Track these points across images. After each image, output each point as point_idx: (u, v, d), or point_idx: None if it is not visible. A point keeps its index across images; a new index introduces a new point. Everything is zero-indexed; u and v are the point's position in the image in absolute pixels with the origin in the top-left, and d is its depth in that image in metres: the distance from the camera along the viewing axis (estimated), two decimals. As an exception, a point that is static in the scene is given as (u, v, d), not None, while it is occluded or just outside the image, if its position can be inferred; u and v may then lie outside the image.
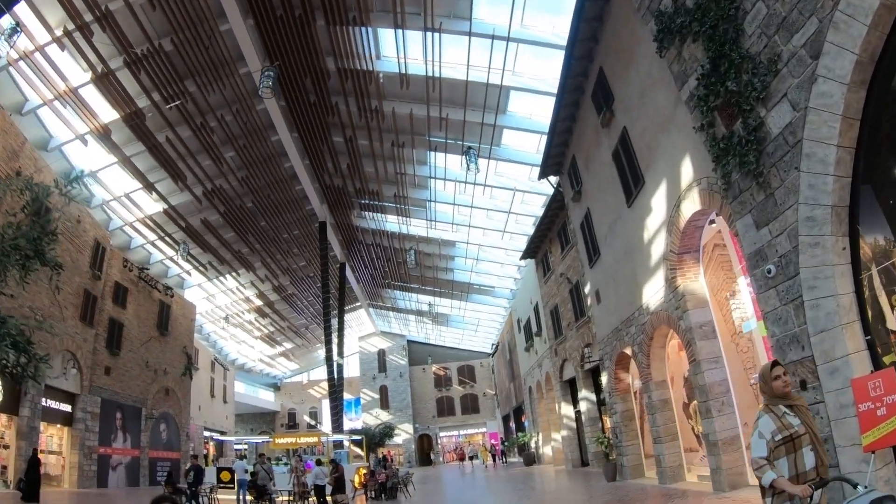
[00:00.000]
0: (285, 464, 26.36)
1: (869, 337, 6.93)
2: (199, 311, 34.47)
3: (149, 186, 23.45)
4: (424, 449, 56.05)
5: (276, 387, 58.18)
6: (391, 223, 30.97)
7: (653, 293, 12.42)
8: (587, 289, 18.07)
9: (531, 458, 33.14)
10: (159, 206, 25.21)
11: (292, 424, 56.22)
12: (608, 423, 18.22)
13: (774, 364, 4.02)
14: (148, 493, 17.11)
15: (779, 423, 3.81)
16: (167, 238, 27.79)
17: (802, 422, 3.84)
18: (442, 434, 57.58)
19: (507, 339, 40.03)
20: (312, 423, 54.90)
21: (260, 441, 40.11)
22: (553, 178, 19.66)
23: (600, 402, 20.17)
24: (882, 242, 6.98)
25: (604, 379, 17.87)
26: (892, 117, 6.66)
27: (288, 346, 49.32)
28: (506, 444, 43.47)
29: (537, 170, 19.33)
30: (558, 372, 25.07)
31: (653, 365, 13.41)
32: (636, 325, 13.74)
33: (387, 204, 28.61)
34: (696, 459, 12.65)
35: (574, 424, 24.43)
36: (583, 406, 22.40)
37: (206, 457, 31.78)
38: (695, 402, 12.36)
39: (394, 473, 23.00)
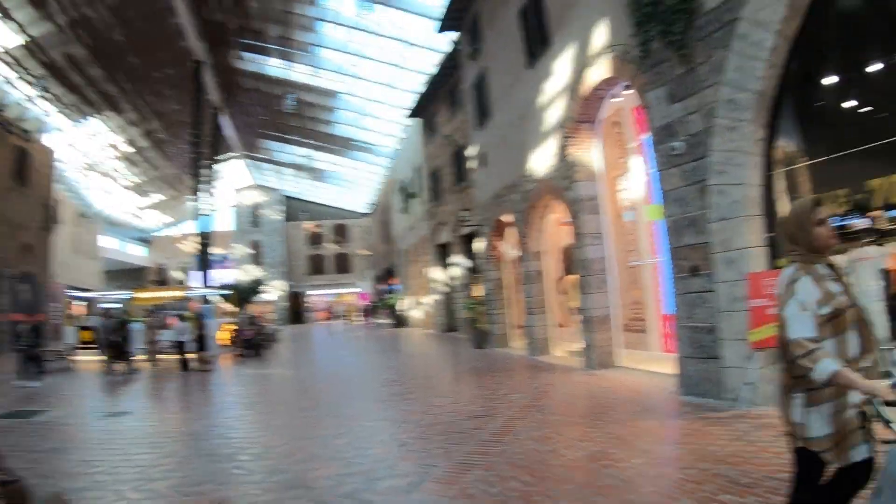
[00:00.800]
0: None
1: (771, 234, 6.60)
2: (63, 159, 29.80)
3: (4, 14, 18.84)
4: (296, 307, 55.61)
5: (146, 241, 53.90)
6: (273, 67, 27.83)
7: (543, 161, 11.73)
8: (472, 152, 17.14)
9: (400, 321, 33.49)
10: (18, 39, 20.79)
11: (162, 280, 52.96)
12: (479, 290, 18.22)
13: (817, 203, 2.58)
14: (5, 360, 15.11)
15: (822, 290, 2.44)
16: (26, 76, 23.11)
17: (845, 291, 2.50)
18: (313, 293, 57.19)
19: (384, 199, 39.08)
20: (182, 278, 52.00)
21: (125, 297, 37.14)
22: (452, 35, 17.91)
23: (473, 269, 20.12)
24: (792, 149, 6.70)
25: (478, 246, 17.62)
26: (832, 24, 6.16)
27: (159, 197, 45.11)
28: (376, 305, 43.81)
29: (435, 25, 17.44)
30: (433, 236, 24.77)
31: (531, 235, 13.24)
32: (520, 192, 13.28)
33: (270, 46, 25.36)
34: (565, 335, 12.79)
35: (445, 289, 24.54)
36: (455, 272, 22.40)
37: (70, 317, 28.71)
38: (568, 277, 12.27)
39: (261, 330, 22.17)
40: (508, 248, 15.74)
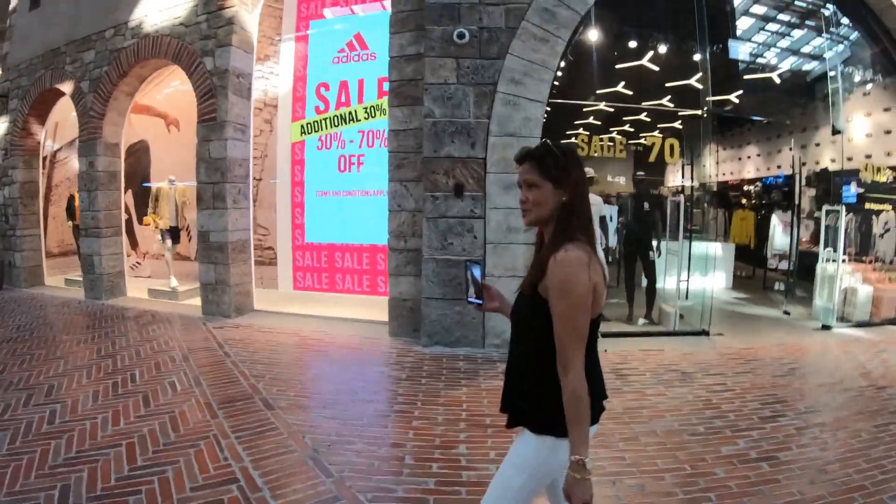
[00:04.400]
0: None
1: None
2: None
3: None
4: None
5: None
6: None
7: (169, 4, 7.37)
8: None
9: None
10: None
11: None
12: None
13: None
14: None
15: None
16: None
17: None
18: None
19: None
20: None
21: None
22: None
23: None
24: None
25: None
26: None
27: None
28: None
29: None
30: None
31: (110, 117, 8.22)
32: (103, 50, 8.15)
33: None
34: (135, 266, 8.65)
35: None
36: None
37: None
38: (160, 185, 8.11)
39: None
40: (49, 136, 9.63)
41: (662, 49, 8.28)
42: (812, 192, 10.70)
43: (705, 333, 6.53)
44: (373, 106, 7.24)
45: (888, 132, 9.01)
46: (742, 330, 6.80)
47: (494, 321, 5.72)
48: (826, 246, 7.66)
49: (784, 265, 9.39)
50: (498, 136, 5.82)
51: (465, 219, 5.76)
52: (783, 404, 4.20)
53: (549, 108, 6.11)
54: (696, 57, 7.25)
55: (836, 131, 8.23)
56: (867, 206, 8.41)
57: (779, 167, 13.20)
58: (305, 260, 7.46)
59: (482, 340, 5.73)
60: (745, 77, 10.82)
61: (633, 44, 8.26)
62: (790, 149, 12.93)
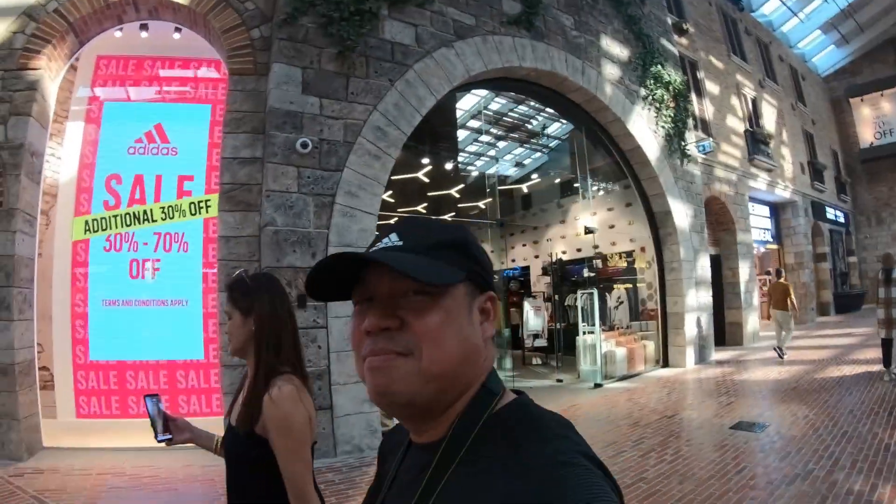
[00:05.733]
0: None
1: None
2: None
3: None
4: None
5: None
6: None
7: None
8: None
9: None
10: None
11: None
12: None
13: None
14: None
15: None
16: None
17: None
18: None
19: None
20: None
21: None
22: None
23: None
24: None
25: None
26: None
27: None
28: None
29: None
30: None
31: None
32: None
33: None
34: None
35: None
36: None
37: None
38: None
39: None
40: None
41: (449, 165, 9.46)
42: (547, 279, 12.81)
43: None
44: (171, 206, 6.54)
45: (612, 227, 11.41)
46: (538, 399, 7.88)
47: (344, 429, 5.66)
48: (583, 321, 9.37)
49: (539, 342, 11.02)
50: (337, 247, 5.97)
51: (308, 329, 5.68)
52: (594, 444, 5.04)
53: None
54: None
55: (588, 231, 10.24)
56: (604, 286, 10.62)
57: (513, 260, 15.47)
58: (90, 381, 6.25)
59: (334, 450, 5.61)
60: (500, 188, 12.77)
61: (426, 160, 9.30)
62: (524, 245, 15.37)
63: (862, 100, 23.09)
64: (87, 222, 6.50)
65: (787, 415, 6.40)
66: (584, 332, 9.46)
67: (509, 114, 11.70)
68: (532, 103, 10.50)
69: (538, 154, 13.57)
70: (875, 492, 3.99)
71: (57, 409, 6.12)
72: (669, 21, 11.78)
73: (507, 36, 7.91)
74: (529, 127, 12.29)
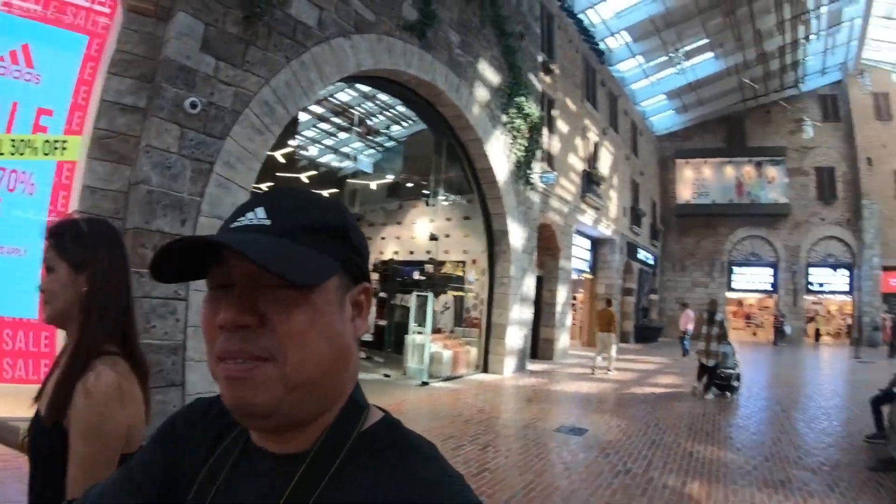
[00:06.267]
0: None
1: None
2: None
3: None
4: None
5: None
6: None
7: None
8: None
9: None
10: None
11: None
12: None
13: None
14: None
15: None
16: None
17: None
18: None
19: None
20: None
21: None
22: None
23: None
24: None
25: None
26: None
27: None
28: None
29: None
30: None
31: None
32: None
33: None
34: None
35: None
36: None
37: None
38: None
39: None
40: None
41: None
42: (376, 276, 13.16)
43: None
44: (23, 140, 5.73)
45: (447, 236, 12.05)
46: (368, 392, 8.15)
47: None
48: (415, 322, 9.85)
49: (365, 337, 11.34)
50: (207, 217, 5.72)
51: (168, 300, 5.36)
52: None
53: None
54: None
55: (433, 238, 10.75)
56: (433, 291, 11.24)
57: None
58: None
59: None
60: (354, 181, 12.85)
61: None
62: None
63: (687, 162, 27.14)
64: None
65: (602, 423, 7.44)
66: (413, 332, 9.99)
67: (358, 108, 11.94)
68: (383, 99, 10.93)
69: (381, 153, 13.85)
70: (686, 486, 4.95)
71: None
72: (540, 59, 12.85)
73: (400, 40, 8.11)
74: (372, 123, 12.60)
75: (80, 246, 1.29)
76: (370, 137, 12.78)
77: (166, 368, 5.27)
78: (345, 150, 13.18)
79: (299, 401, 0.62)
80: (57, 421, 1.19)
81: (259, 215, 0.63)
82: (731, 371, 9.61)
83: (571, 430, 6.89)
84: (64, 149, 5.76)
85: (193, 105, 5.55)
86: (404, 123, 12.70)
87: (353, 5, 7.25)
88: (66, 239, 1.29)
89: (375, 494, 0.60)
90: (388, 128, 12.76)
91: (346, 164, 13.49)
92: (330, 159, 13.59)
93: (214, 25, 5.71)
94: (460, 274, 12.06)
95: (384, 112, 12.20)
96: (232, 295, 0.61)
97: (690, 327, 16.79)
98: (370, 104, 11.86)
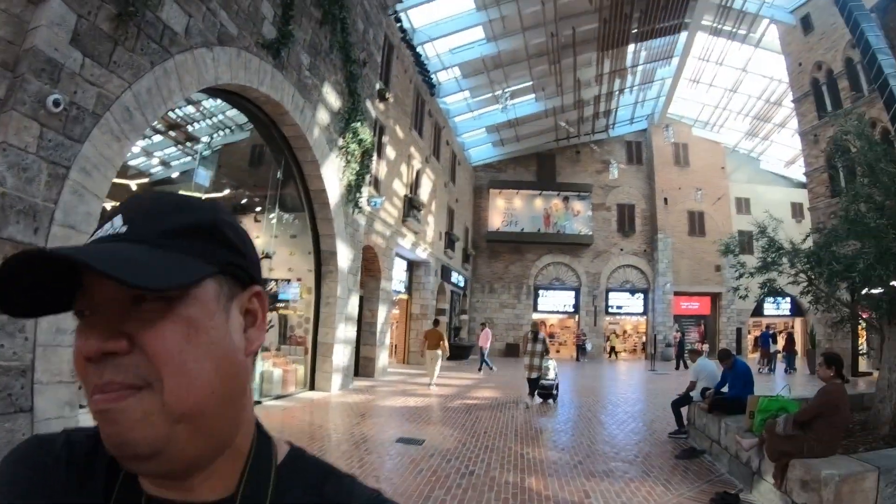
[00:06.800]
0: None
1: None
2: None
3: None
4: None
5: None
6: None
7: None
8: None
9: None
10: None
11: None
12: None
13: None
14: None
15: None
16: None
17: None
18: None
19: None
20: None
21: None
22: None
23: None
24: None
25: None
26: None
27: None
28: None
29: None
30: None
31: None
32: None
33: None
34: None
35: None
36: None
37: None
38: None
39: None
40: None
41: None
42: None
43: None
44: None
45: (274, 253, 11.92)
46: None
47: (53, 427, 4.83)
48: None
49: None
50: (61, 226, 5.22)
51: (13, 318, 4.74)
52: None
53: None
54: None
55: (265, 255, 10.54)
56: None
57: None
58: None
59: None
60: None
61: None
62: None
63: (500, 192, 29.20)
64: None
65: (437, 433, 8.02)
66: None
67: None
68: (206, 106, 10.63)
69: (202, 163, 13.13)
70: (524, 482, 5.71)
71: None
72: (378, 87, 13.35)
73: (257, 57, 8.06)
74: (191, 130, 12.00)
75: None
76: (188, 144, 12.09)
77: (15, 392, 4.68)
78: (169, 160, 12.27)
79: (191, 435, 0.53)
80: None
81: (116, 224, 0.55)
82: (553, 381, 11.02)
83: (410, 441, 7.38)
84: None
85: (56, 103, 5.05)
86: (224, 132, 12.21)
87: (219, 17, 7.09)
88: None
89: None
90: (210, 137, 12.18)
91: (175, 174, 12.58)
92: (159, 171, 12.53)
93: (87, 18, 5.27)
94: (287, 293, 11.99)
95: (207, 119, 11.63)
96: (96, 320, 0.53)
97: (487, 345, 18.39)
98: (191, 109, 11.24)
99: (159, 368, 0.51)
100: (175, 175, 12.05)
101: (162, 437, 0.51)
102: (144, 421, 0.50)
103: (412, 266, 20.64)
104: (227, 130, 11.96)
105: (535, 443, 7.73)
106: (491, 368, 18.05)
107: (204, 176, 9.76)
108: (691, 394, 8.10)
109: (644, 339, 29.92)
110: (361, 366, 14.57)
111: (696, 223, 28.85)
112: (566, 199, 29.41)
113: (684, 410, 8.13)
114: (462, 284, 26.66)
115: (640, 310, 29.62)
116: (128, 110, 5.89)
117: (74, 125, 5.30)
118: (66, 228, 5.23)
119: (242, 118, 9.86)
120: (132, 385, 0.51)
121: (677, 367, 21.42)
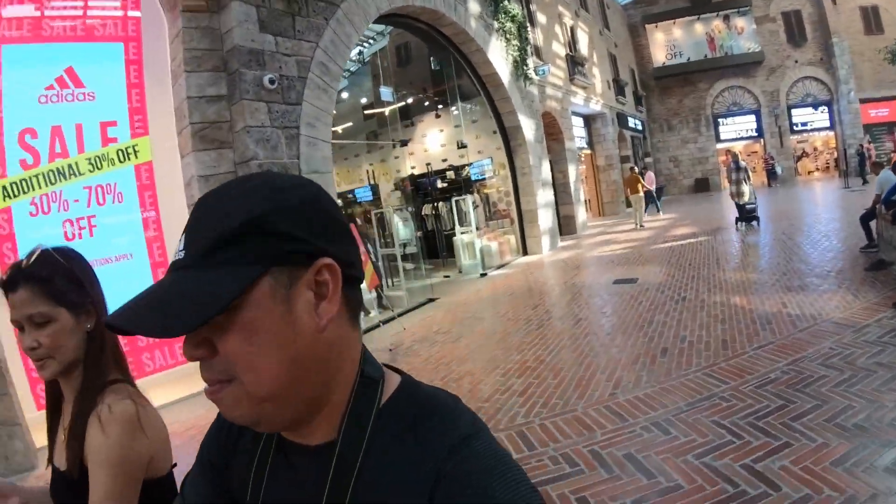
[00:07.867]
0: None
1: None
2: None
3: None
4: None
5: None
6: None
7: None
8: None
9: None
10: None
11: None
12: None
13: None
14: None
15: None
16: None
17: None
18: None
19: None
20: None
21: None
22: None
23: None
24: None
25: None
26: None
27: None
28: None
29: None
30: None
31: None
32: None
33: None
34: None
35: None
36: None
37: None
38: None
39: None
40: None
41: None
42: (398, 193, 14.15)
43: (431, 300, 8.87)
44: (97, 156, 5.97)
45: (443, 145, 13.10)
46: (445, 292, 9.48)
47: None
48: (461, 224, 11.19)
49: (410, 249, 12.31)
50: (307, 174, 6.65)
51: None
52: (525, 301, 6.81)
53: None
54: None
55: (461, 146, 11.76)
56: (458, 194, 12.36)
57: (361, 180, 16.05)
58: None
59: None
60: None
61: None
62: (370, 164, 16.09)
63: (656, 26, 27.64)
64: (4, 188, 5.56)
65: (647, 271, 8.81)
66: (461, 233, 11.20)
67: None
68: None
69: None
70: (730, 300, 6.33)
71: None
72: None
73: (404, -23, 8.76)
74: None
75: (73, 284, 1.18)
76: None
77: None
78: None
79: (277, 408, 0.61)
80: (82, 468, 1.11)
81: (180, 247, 0.61)
82: (755, 204, 11.23)
83: (625, 281, 8.22)
84: (136, 153, 6.27)
85: (271, 81, 6.37)
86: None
87: (360, -43, 7.87)
88: (56, 282, 1.15)
89: (411, 469, 0.60)
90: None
91: (363, 100, 14.19)
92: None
93: (263, 6, 6.46)
94: (484, 175, 13.07)
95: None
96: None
97: (653, 187, 18.11)
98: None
99: (234, 367, 0.59)
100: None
101: (254, 413, 0.60)
102: (238, 404, 0.60)
103: (588, 121, 20.57)
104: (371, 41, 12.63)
105: (735, 268, 8.15)
106: (657, 209, 18.27)
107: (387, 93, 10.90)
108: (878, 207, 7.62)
109: (835, 154, 26.71)
110: (563, 225, 15.46)
111: (872, 19, 24.52)
112: (726, 17, 26.66)
113: (873, 224, 7.70)
114: (640, 128, 25.88)
115: (827, 123, 26.53)
116: (323, 64, 7.07)
117: (289, 92, 6.62)
118: (312, 174, 6.65)
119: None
120: (222, 380, 0.60)
121: (863, 182, 19.39)
